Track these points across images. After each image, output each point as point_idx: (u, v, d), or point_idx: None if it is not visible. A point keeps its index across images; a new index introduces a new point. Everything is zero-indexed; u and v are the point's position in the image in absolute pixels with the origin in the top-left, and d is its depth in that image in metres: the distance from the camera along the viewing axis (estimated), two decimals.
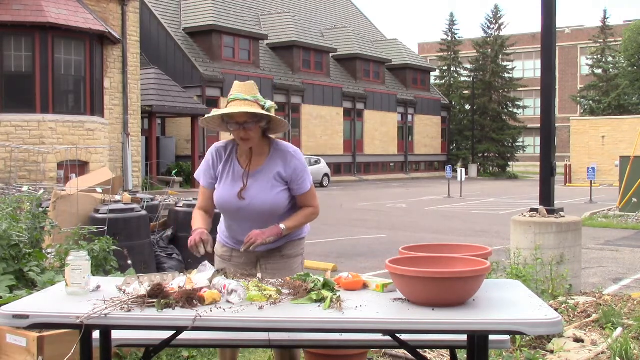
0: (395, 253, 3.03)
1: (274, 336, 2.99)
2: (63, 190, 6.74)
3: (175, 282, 2.59)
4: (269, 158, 3.20)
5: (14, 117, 15.98)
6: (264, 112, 3.09)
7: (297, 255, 3.33)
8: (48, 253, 4.75)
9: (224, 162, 3.24)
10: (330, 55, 35.56)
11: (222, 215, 3.36)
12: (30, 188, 9.43)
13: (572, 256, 6.55)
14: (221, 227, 3.40)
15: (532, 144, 51.84)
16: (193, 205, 7.53)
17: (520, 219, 6.75)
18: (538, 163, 7.24)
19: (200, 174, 3.31)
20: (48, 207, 6.49)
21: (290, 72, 32.32)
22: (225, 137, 3.39)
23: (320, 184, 26.89)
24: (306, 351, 3.55)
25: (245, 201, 3.16)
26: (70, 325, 2.38)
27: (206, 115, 3.15)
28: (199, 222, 3.25)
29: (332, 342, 3.03)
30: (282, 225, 3.14)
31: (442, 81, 46.70)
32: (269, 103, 3.15)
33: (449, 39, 46.40)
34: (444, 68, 46.88)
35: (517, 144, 43.91)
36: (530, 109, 51.47)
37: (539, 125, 7.22)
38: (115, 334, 2.85)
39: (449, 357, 3.20)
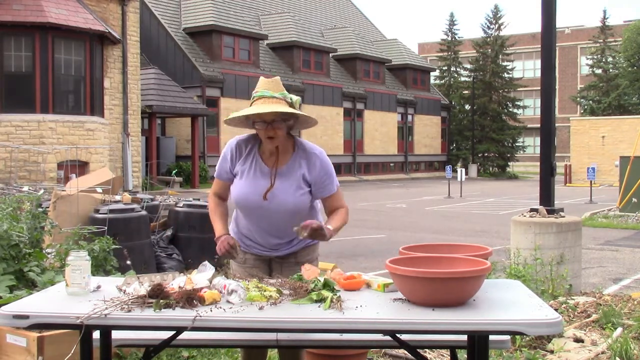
0: (395, 253, 3.03)
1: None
2: (63, 190, 6.74)
3: (175, 282, 2.59)
4: (293, 158, 3.10)
5: (14, 117, 15.98)
6: (294, 110, 3.00)
7: (312, 261, 3.26)
8: (48, 253, 4.75)
9: (244, 158, 3.14)
10: (330, 55, 35.56)
11: (235, 215, 3.28)
12: (31, 188, 9.43)
13: (572, 256, 6.55)
14: (233, 228, 3.31)
15: (532, 144, 51.82)
16: (193, 206, 7.55)
17: (520, 219, 6.75)
18: (538, 163, 7.24)
19: (217, 169, 3.25)
20: (48, 207, 6.49)
21: (290, 72, 32.32)
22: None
23: None
24: (306, 351, 3.55)
25: (268, 201, 3.06)
26: (70, 326, 2.38)
27: (234, 114, 3.05)
28: (219, 224, 3.18)
29: (332, 342, 3.03)
30: (329, 226, 3.03)
31: (442, 81, 46.69)
32: (294, 98, 3.07)
33: (449, 39, 46.39)
34: (444, 68, 46.87)
35: (517, 144, 43.89)
36: (530, 109, 51.46)
37: (539, 125, 7.22)
38: (115, 334, 2.84)
39: (449, 357, 3.20)
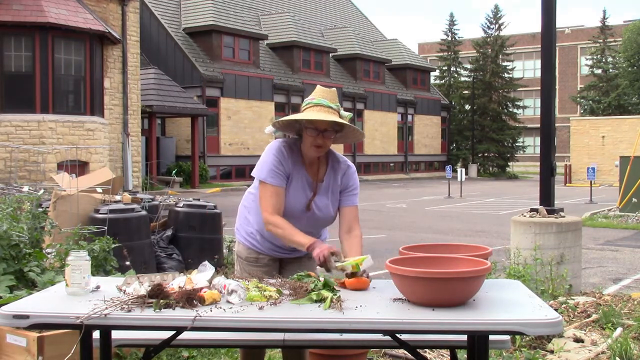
0: (396, 253, 3.03)
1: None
2: (63, 191, 6.73)
3: (175, 282, 2.59)
4: (329, 170, 3.17)
5: (14, 117, 15.97)
6: (348, 123, 3.04)
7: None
8: (48, 253, 4.75)
9: (292, 164, 3.08)
10: (330, 55, 35.56)
11: (251, 217, 3.24)
12: (31, 188, 9.43)
13: (572, 256, 6.55)
14: (247, 229, 3.27)
15: (532, 144, 51.82)
16: (193, 206, 7.54)
17: (520, 219, 6.75)
18: (538, 163, 7.24)
19: (268, 173, 3.03)
20: (48, 207, 6.49)
21: (290, 72, 32.32)
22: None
23: None
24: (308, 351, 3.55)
25: (310, 212, 3.11)
26: (70, 326, 2.38)
27: (291, 116, 3.02)
28: (301, 235, 2.98)
29: (332, 342, 3.03)
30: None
31: (442, 81, 46.69)
32: (345, 113, 3.09)
33: (449, 39, 46.39)
34: (444, 68, 46.87)
35: (517, 144, 43.89)
36: (530, 109, 51.46)
37: (539, 125, 7.22)
38: (115, 334, 2.85)
39: (449, 357, 3.20)
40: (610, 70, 45.12)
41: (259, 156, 3.19)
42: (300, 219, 3.10)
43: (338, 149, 38.37)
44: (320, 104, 3.01)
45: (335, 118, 2.98)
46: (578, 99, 46.98)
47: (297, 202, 3.09)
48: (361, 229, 3.23)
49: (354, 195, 3.20)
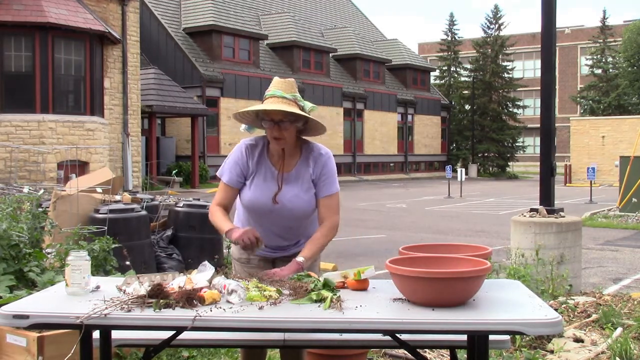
0: (395, 253, 3.03)
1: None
2: (63, 190, 6.73)
3: (175, 282, 2.59)
4: (301, 160, 3.10)
5: (14, 117, 15.98)
6: (302, 112, 2.98)
7: (315, 259, 3.22)
8: (48, 253, 4.75)
9: (255, 161, 3.10)
10: (330, 55, 35.55)
11: (240, 217, 3.25)
12: (31, 188, 9.43)
13: (572, 256, 6.55)
14: None
15: (532, 144, 51.82)
16: (193, 206, 7.55)
17: (520, 219, 6.75)
18: (538, 163, 7.24)
19: (225, 170, 3.13)
20: (48, 207, 6.49)
21: (290, 72, 32.31)
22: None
23: None
24: (306, 351, 3.55)
25: (279, 205, 3.06)
26: (70, 325, 2.38)
27: (242, 109, 3.05)
28: (226, 221, 3.06)
29: (332, 342, 3.03)
30: (300, 259, 2.98)
31: (442, 81, 46.69)
32: (308, 105, 3.06)
33: (449, 39, 46.39)
34: (444, 68, 46.87)
35: (517, 144, 43.90)
36: (530, 109, 51.47)
37: (539, 125, 7.22)
38: (115, 334, 2.85)
39: (449, 357, 3.20)
40: (610, 70, 45.12)
41: None
42: (271, 212, 3.07)
43: (338, 147, 38.03)
44: (274, 95, 2.99)
45: (284, 107, 2.92)
46: (578, 99, 46.97)
47: (263, 196, 3.06)
48: (338, 220, 3.12)
49: (328, 183, 3.10)
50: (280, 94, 2.99)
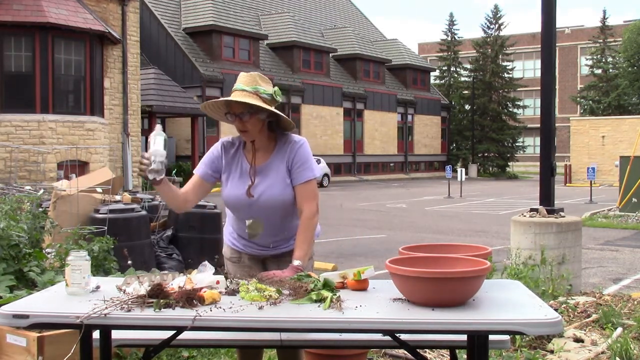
0: (395, 253, 3.03)
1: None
2: (63, 190, 6.73)
3: (175, 282, 2.59)
4: (276, 152, 3.09)
5: (14, 117, 15.97)
6: (259, 104, 2.94)
7: (310, 257, 3.20)
8: (48, 253, 4.75)
9: (230, 158, 3.13)
10: (330, 55, 35.56)
11: (228, 216, 3.27)
12: (31, 188, 9.43)
13: (572, 256, 6.55)
14: (228, 228, 3.30)
15: (532, 144, 51.83)
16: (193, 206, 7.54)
17: (520, 219, 6.75)
18: (538, 163, 7.24)
19: (199, 165, 3.17)
20: (48, 207, 6.49)
21: (290, 72, 32.31)
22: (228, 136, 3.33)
23: (320, 184, 26.91)
24: (306, 351, 3.55)
25: (254, 198, 3.05)
26: (70, 325, 2.38)
27: (205, 102, 3.05)
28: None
29: (332, 342, 3.03)
30: (296, 262, 2.95)
31: (442, 81, 46.71)
32: (271, 90, 3.02)
33: (449, 39, 46.41)
34: (443, 68, 46.89)
35: (517, 144, 43.93)
36: (530, 109, 51.49)
37: (539, 125, 7.22)
38: (115, 334, 2.84)
39: (449, 357, 3.20)
40: (610, 70, 45.12)
41: None
42: (249, 206, 3.07)
43: (338, 147, 38.04)
44: (236, 89, 3.00)
45: (239, 98, 2.92)
46: (578, 99, 46.98)
47: (238, 190, 3.08)
48: (316, 208, 3.06)
49: (303, 170, 3.06)
50: (241, 87, 2.99)
